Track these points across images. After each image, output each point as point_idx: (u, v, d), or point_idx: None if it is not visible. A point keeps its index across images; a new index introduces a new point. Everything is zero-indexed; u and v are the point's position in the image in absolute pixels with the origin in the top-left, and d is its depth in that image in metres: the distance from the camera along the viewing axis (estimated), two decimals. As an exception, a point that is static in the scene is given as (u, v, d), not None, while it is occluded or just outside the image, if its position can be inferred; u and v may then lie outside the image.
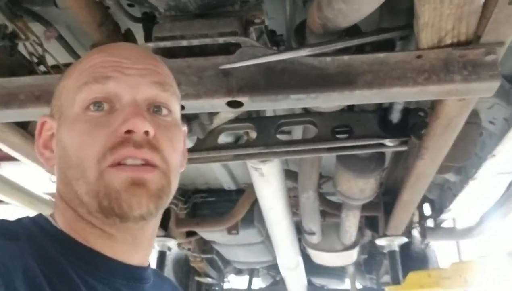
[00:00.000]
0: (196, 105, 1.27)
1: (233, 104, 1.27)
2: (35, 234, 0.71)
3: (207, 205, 3.27)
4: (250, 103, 1.26)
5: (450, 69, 1.17)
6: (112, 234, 0.72)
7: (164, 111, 0.77)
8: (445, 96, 1.27)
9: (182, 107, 1.07)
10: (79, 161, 0.71)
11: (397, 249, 3.08)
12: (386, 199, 2.88)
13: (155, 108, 0.75)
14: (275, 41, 1.53)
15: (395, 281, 3.00)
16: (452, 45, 1.14)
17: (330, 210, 2.95)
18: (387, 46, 1.32)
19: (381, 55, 1.18)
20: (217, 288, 4.78)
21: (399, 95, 1.24)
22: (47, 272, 0.64)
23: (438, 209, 3.14)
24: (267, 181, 2.22)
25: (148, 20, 1.40)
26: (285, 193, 2.45)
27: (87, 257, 0.71)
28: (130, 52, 0.78)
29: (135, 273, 0.75)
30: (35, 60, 1.54)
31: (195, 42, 1.22)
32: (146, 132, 0.70)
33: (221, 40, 1.21)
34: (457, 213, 3.15)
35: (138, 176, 0.69)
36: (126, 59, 0.75)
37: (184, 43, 1.22)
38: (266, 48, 1.26)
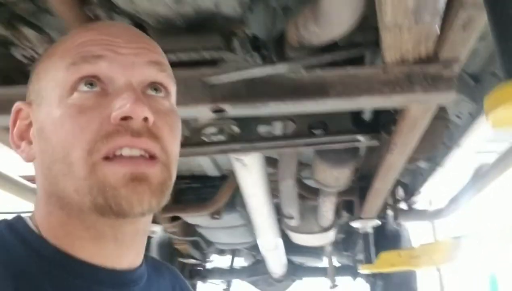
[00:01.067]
0: (183, 113, 1.38)
1: (217, 111, 1.39)
2: (12, 244, 0.63)
3: (191, 191, 3.35)
4: (232, 110, 1.39)
5: (412, 81, 1.31)
6: (104, 231, 0.65)
7: (162, 92, 0.69)
8: (408, 104, 1.41)
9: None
10: (66, 152, 0.61)
11: (371, 230, 3.26)
12: (362, 184, 3.02)
13: (153, 89, 0.67)
14: (257, 47, 1.64)
15: (368, 260, 3.20)
16: (414, 62, 1.28)
17: (309, 195, 3.10)
18: (358, 58, 1.44)
19: (351, 70, 1.31)
20: (200, 268, 4.93)
21: (367, 104, 1.38)
22: (22, 289, 0.58)
23: (411, 192, 3.35)
24: (248, 170, 2.34)
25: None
26: (266, 180, 2.57)
27: (69, 266, 0.63)
28: (122, 31, 0.69)
29: (121, 278, 0.68)
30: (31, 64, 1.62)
31: (183, 56, 1.32)
32: (145, 119, 0.62)
33: (206, 54, 1.33)
34: (428, 196, 3.36)
35: (139, 171, 0.61)
36: (117, 37, 0.66)
37: (173, 58, 1.32)
38: (247, 63, 1.37)
